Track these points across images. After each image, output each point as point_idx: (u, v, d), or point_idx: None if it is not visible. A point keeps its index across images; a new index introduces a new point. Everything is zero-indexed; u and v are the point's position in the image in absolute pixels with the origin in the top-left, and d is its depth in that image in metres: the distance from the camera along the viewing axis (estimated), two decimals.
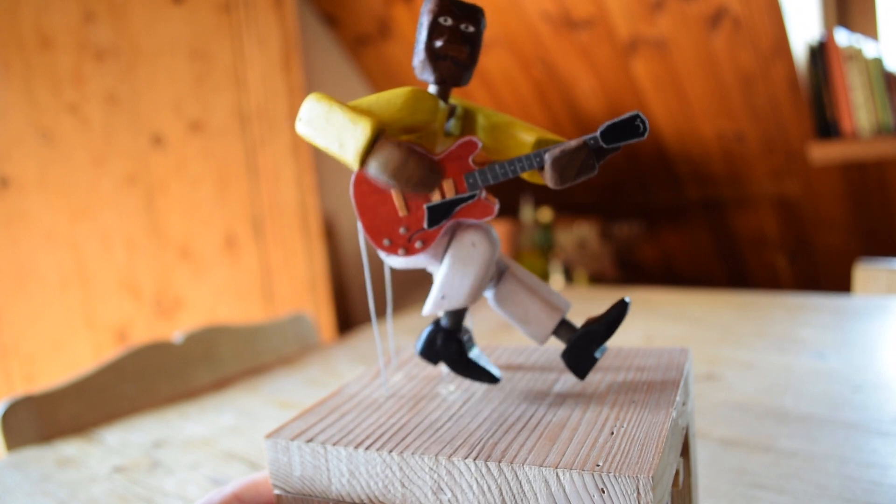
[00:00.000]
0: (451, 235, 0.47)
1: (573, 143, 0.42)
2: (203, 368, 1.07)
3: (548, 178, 0.43)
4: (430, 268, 0.48)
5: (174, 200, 1.86)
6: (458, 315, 0.48)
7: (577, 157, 0.42)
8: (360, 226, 0.46)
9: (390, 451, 0.41)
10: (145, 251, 1.82)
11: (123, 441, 0.84)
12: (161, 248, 1.85)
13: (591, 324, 0.48)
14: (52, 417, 0.88)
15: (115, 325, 1.78)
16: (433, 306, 0.47)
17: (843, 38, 1.84)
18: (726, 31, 1.84)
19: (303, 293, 2.10)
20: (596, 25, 2.02)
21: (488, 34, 2.24)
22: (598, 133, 0.42)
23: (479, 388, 0.50)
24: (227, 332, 1.12)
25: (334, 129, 0.42)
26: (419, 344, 0.49)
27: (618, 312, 0.47)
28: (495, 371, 0.49)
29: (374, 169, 0.42)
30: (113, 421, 0.91)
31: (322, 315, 2.14)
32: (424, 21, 0.46)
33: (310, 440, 0.44)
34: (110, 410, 0.94)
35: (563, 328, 0.48)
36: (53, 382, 0.92)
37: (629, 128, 0.42)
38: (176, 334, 1.07)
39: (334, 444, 0.43)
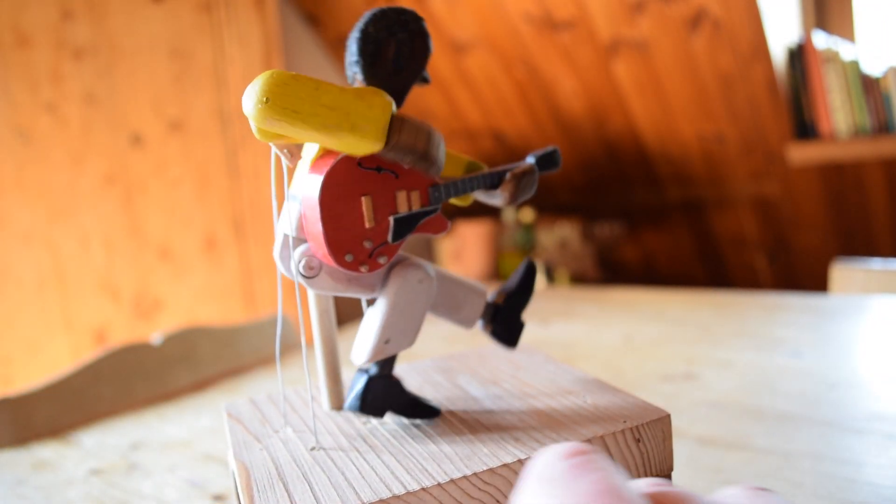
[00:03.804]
0: (387, 274, 0.44)
1: (524, 164, 0.47)
2: (182, 370, 1.06)
3: (503, 195, 0.45)
4: (360, 294, 0.44)
5: (153, 200, 1.85)
6: (393, 357, 0.45)
7: (531, 177, 0.46)
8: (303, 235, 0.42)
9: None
10: (124, 252, 1.80)
11: (100, 443, 0.83)
12: (140, 248, 1.83)
13: (511, 294, 0.49)
14: (27, 420, 0.87)
15: (94, 326, 1.76)
16: (373, 353, 0.43)
17: (820, 40, 1.86)
18: (706, 32, 1.86)
19: (284, 293, 2.09)
20: (577, 27, 2.03)
21: (470, 35, 2.24)
22: (534, 160, 0.47)
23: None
24: (207, 332, 1.11)
25: (339, 110, 0.38)
26: (355, 401, 0.44)
27: (529, 274, 0.50)
28: (434, 403, 0.47)
29: (396, 146, 0.39)
30: (90, 423, 0.90)
31: (304, 315, 2.13)
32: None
33: None
34: (87, 412, 0.93)
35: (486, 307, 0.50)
36: (29, 384, 0.90)
37: (551, 159, 0.48)
38: (155, 335, 1.06)
39: None
